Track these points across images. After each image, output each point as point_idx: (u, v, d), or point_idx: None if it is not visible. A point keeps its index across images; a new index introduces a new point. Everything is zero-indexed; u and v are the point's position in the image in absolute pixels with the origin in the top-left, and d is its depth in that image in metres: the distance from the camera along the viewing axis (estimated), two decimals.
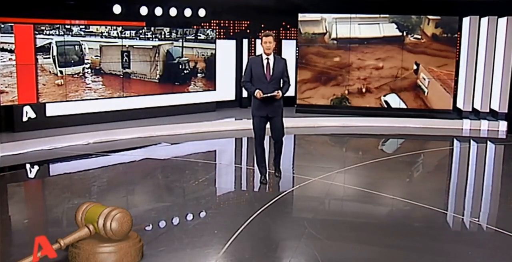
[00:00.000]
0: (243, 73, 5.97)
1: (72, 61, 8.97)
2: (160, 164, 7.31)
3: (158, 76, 10.13)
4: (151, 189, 6.17)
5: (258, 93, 5.65)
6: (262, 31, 7.88)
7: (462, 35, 10.89)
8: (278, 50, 11.87)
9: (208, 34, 10.78)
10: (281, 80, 5.83)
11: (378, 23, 10.78)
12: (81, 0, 9.31)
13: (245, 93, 11.56)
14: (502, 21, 10.25)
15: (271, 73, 5.73)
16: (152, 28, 9.95)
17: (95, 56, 9.26)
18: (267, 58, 5.74)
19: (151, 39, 9.94)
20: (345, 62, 10.94)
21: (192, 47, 10.58)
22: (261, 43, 5.71)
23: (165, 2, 10.32)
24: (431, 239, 4.49)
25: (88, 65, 9.16)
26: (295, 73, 11.21)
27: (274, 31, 11.56)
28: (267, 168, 6.12)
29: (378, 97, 10.95)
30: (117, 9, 9.70)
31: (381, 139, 9.70)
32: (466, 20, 10.77)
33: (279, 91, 5.70)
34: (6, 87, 8.24)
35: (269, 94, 5.64)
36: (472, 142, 9.48)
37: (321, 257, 4.01)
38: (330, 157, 8.03)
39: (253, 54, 11.49)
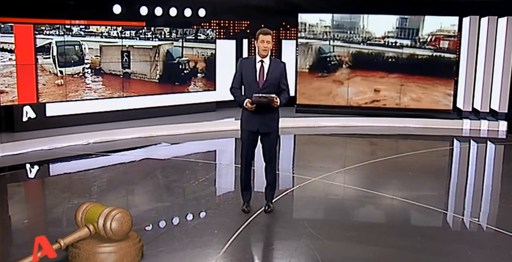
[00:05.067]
0: (232, 78, 4.97)
1: (72, 61, 8.96)
2: (160, 164, 7.31)
3: (158, 76, 10.13)
4: (151, 189, 6.17)
5: (247, 102, 4.71)
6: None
7: (462, 35, 10.88)
8: (278, 51, 11.87)
9: (208, 34, 10.78)
10: (279, 89, 4.83)
11: None
12: (81, 0, 9.31)
13: None
14: (502, 21, 10.25)
15: (264, 79, 4.77)
16: (152, 28, 9.95)
17: (95, 56, 9.26)
18: (262, 61, 4.79)
19: (151, 39, 9.93)
20: None
21: (192, 47, 10.58)
22: (257, 42, 4.76)
23: (165, 2, 10.32)
24: (431, 239, 4.49)
25: (88, 65, 9.16)
26: (295, 74, 11.20)
27: (274, 31, 11.68)
28: (251, 195, 5.16)
29: None
30: (117, 9, 9.70)
31: (381, 139, 9.70)
32: (466, 20, 10.76)
33: (278, 97, 4.69)
34: (6, 87, 8.24)
35: (266, 95, 4.62)
36: (472, 142, 9.48)
37: (321, 257, 4.01)
38: (330, 157, 8.02)
39: (252, 54, 11.48)
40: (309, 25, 10.91)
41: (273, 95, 4.66)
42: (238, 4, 11.11)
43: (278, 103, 4.72)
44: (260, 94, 4.63)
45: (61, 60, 8.81)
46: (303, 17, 10.97)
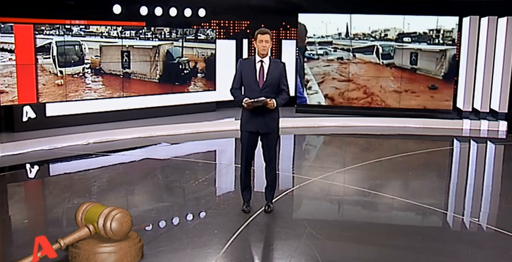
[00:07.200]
0: (232, 79, 4.96)
1: (72, 61, 8.96)
2: (160, 164, 7.31)
3: (158, 76, 10.13)
4: (151, 189, 6.17)
5: (245, 100, 4.70)
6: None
7: (462, 35, 10.88)
8: (278, 51, 11.87)
9: (208, 34, 10.78)
10: (279, 89, 4.83)
11: None
12: (81, 0, 9.31)
13: None
14: (502, 21, 10.25)
15: (264, 79, 4.76)
16: (152, 28, 9.95)
17: (95, 56, 9.26)
18: (261, 61, 4.78)
19: (151, 39, 9.93)
20: None
21: (192, 47, 10.58)
22: (256, 42, 4.75)
23: (165, 2, 10.32)
24: (431, 239, 4.49)
25: (88, 65, 9.16)
26: (294, 74, 11.20)
27: (274, 31, 11.68)
28: (251, 195, 5.16)
29: None
30: (117, 9, 9.70)
31: (381, 138, 9.70)
32: (466, 20, 10.76)
33: (273, 99, 4.71)
34: (6, 87, 8.24)
35: (257, 99, 4.64)
36: (472, 142, 9.48)
37: (321, 257, 4.01)
38: (330, 157, 8.02)
39: (252, 54, 11.45)
40: None
41: (262, 98, 4.64)
42: (238, 4, 11.11)
43: (274, 105, 4.73)
44: (252, 100, 4.65)
45: (61, 60, 8.81)
46: None
